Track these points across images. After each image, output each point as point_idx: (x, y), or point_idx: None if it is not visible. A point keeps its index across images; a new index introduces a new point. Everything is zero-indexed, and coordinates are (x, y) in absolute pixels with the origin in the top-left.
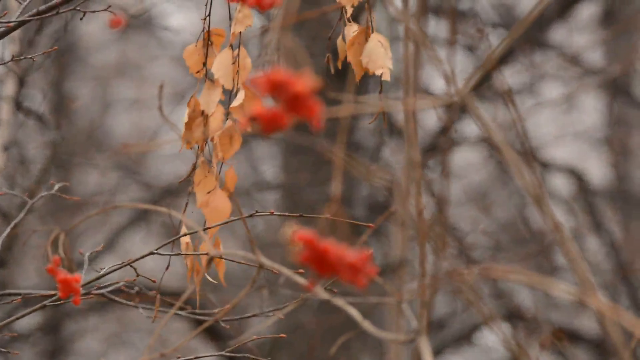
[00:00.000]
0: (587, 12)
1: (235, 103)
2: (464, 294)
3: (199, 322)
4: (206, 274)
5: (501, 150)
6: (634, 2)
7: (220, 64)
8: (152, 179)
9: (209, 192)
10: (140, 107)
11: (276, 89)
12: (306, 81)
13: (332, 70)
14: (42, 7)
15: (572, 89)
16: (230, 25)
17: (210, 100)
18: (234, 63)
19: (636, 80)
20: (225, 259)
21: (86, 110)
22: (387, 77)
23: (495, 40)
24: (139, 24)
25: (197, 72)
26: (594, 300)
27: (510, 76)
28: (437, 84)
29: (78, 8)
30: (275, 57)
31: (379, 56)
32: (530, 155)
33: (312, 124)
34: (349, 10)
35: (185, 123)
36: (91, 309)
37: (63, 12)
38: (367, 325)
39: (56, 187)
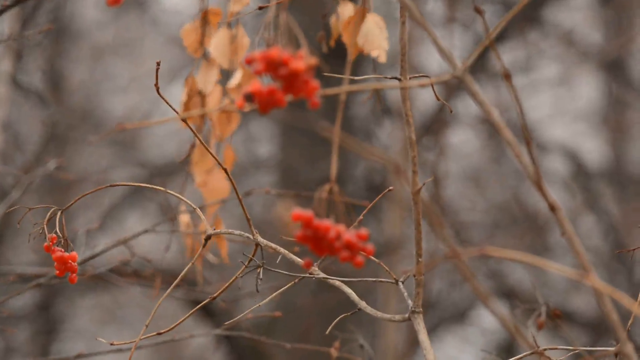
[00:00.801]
0: None
1: (232, 83)
2: (461, 273)
3: (193, 300)
4: (208, 252)
5: (498, 129)
6: None
7: (218, 43)
8: (147, 158)
9: (207, 171)
10: (135, 85)
11: (273, 67)
12: (303, 60)
13: (325, 49)
14: None
15: (569, 69)
16: (227, 4)
17: (207, 79)
18: (232, 42)
19: (633, 60)
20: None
21: (82, 88)
22: (382, 58)
23: (493, 18)
24: (135, 3)
25: (195, 50)
26: (591, 280)
27: (507, 53)
28: (434, 63)
29: None
30: (272, 36)
31: (375, 37)
32: (526, 134)
33: (309, 103)
34: None
35: (183, 102)
36: (86, 288)
37: None
38: (363, 304)
39: (52, 164)
